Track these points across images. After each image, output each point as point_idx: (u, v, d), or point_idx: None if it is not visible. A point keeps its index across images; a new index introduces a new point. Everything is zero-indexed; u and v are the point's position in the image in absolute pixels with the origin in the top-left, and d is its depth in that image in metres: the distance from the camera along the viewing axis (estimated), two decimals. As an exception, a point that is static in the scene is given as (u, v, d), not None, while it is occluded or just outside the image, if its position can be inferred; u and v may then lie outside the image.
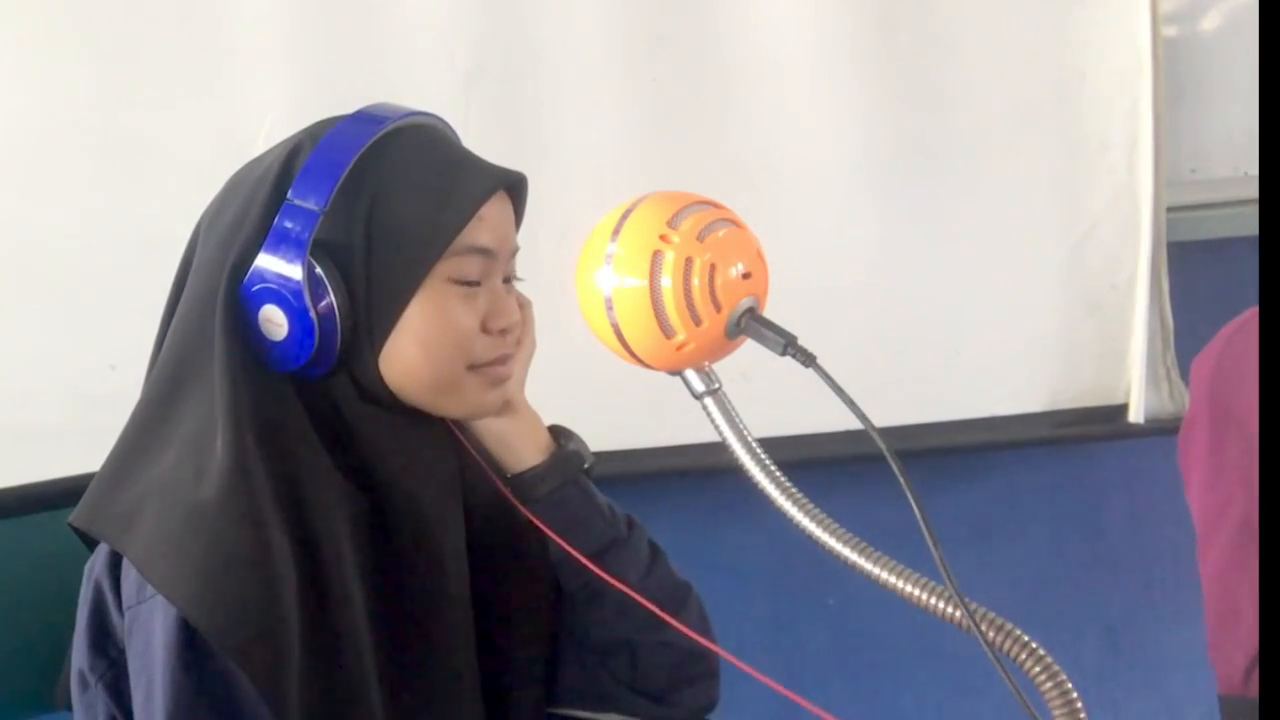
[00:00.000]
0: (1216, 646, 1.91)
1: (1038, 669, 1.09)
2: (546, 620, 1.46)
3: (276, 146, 1.36)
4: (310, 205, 1.30)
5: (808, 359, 1.18)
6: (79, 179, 2.22)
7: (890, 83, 2.50)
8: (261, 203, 1.32)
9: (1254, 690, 1.84)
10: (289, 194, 1.31)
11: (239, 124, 2.22)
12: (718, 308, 1.21)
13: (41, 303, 2.21)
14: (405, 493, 1.36)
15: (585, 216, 1.28)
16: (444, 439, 1.41)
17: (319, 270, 1.30)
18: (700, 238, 1.22)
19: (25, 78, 2.20)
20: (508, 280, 1.40)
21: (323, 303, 1.30)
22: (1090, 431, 2.64)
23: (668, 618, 1.37)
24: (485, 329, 1.36)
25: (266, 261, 1.30)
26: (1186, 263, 2.64)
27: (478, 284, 1.35)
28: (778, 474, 1.19)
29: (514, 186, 1.40)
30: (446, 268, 1.33)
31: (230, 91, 2.25)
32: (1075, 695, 1.08)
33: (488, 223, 1.35)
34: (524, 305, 1.43)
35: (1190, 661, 2.46)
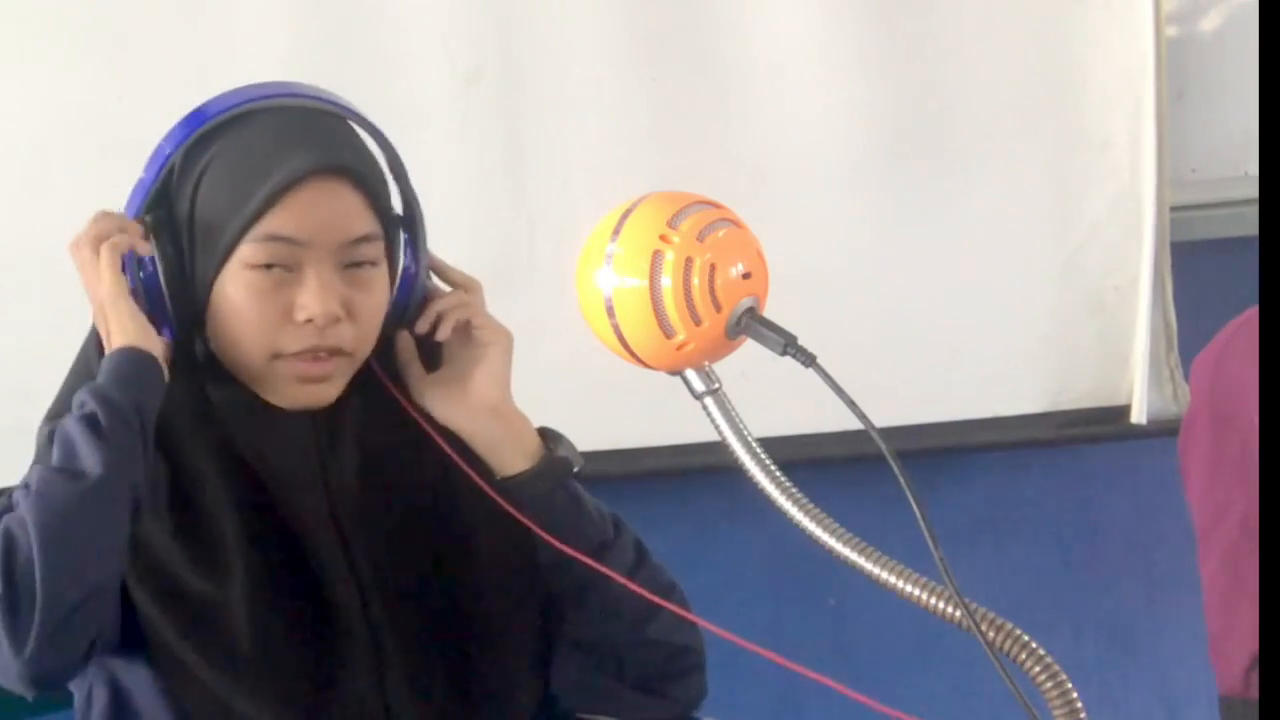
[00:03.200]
0: (1216, 646, 1.92)
1: (1038, 669, 1.09)
2: (538, 623, 1.47)
3: None
4: (147, 178, 1.39)
5: (808, 359, 1.18)
6: (79, 179, 2.21)
7: (892, 82, 2.50)
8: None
9: (1254, 690, 1.84)
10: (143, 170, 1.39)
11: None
12: (718, 308, 1.21)
13: (41, 303, 2.21)
14: (255, 455, 1.40)
15: (585, 216, 1.28)
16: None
17: (154, 246, 1.37)
18: (700, 238, 1.22)
19: (25, 78, 2.20)
20: (363, 265, 1.39)
21: (149, 274, 1.36)
22: (1092, 433, 2.63)
23: (671, 605, 1.39)
24: (293, 319, 1.37)
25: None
26: (1187, 263, 2.64)
27: (286, 270, 1.36)
28: (778, 474, 1.19)
29: (345, 172, 1.37)
30: (245, 254, 1.35)
31: (230, 92, 2.25)
32: (1075, 695, 1.08)
33: (294, 211, 1.35)
34: (471, 288, 1.45)
35: (1190, 661, 2.45)
